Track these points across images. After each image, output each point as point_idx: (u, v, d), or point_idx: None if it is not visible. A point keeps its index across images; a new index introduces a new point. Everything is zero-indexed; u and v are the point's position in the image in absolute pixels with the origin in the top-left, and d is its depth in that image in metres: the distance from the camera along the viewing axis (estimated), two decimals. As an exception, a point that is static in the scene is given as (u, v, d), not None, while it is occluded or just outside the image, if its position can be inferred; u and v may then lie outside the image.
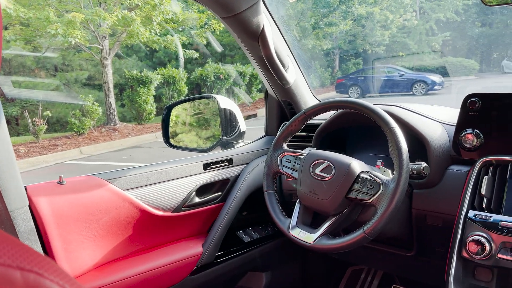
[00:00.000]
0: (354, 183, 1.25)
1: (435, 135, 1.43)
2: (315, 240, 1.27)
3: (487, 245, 1.15)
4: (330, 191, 1.28)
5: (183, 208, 1.54)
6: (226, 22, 1.46)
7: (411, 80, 11.96)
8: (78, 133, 9.40)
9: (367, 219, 1.24)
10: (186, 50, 10.99)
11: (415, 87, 11.79)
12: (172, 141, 1.84)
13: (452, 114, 1.53)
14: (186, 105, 2.08)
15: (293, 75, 1.75)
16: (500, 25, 15.41)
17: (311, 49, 14.13)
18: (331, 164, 1.31)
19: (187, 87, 11.79)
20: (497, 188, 1.24)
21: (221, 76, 12.06)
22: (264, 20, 1.49)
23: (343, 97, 1.42)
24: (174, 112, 1.89)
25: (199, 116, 2.13)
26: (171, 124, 1.87)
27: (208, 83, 12.01)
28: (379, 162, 1.58)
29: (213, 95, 1.89)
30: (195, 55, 11.16)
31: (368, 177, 1.24)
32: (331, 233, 1.30)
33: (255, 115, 11.05)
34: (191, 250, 1.56)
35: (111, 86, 10.19)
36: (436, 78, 11.81)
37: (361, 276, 2.16)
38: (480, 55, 16.24)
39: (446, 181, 1.41)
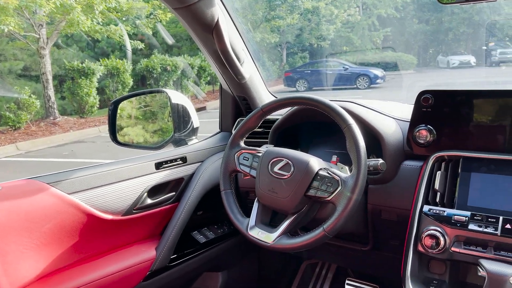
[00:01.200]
0: (313, 180, 1.23)
1: (389, 131, 1.45)
2: (274, 240, 1.24)
3: (441, 239, 1.19)
4: (289, 189, 1.25)
5: (134, 211, 1.45)
6: (178, 13, 1.38)
7: (355, 74, 12.36)
8: (13, 128, 8.76)
9: (325, 216, 1.24)
10: (131, 41, 10.57)
11: (359, 80, 12.20)
12: (120, 139, 1.73)
13: (405, 110, 1.56)
14: (135, 100, 1.97)
15: (248, 69, 1.71)
16: (436, 22, 16.31)
17: (259, 42, 14.15)
18: (289, 161, 1.28)
19: (132, 79, 11.35)
20: (449, 182, 1.28)
21: (168, 67, 11.75)
22: (218, 12, 1.43)
23: (300, 93, 1.41)
24: (122, 107, 1.78)
25: (149, 111, 2.03)
26: (118, 120, 1.76)
27: (155, 75, 11.64)
28: (334, 158, 1.58)
29: (164, 89, 1.80)
30: (140, 45, 10.77)
31: (327, 174, 1.23)
32: (290, 231, 1.28)
33: (204, 108, 10.89)
34: (143, 254, 1.47)
35: (50, 77, 9.58)
36: (378, 72, 12.29)
37: (316, 270, 2.18)
38: (418, 50, 17.11)
39: (400, 176, 1.44)
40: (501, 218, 1.15)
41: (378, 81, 12.25)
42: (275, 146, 1.58)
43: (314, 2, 14.00)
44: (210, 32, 1.44)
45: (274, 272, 2.14)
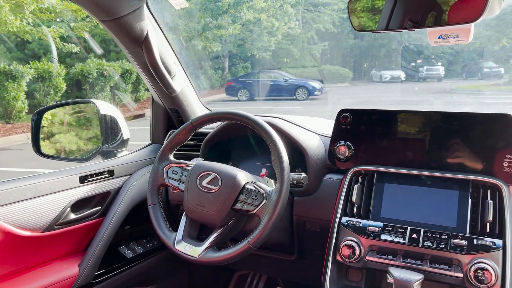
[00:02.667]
0: (240, 194, 1.27)
1: (313, 146, 1.53)
2: (201, 254, 1.26)
3: (357, 249, 1.27)
4: (216, 203, 1.28)
5: (55, 226, 1.40)
6: (106, 26, 1.36)
7: (294, 85, 12.72)
8: None
9: (252, 228, 1.28)
10: (65, 44, 10.06)
11: (298, 92, 12.56)
12: (44, 150, 1.66)
13: (328, 126, 1.66)
14: (61, 110, 1.89)
15: (180, 83, 1.71)
16: (370, 39, 17.26)
17: (201, 50, 14.12)
18: (217, 175, 1.31)
19: (65, 83, 10.79)
20: (365, 195, 1.38)
21: (105, 72, 11.33)
22: (148, 25, 1.43)
23: (231, 108, 1.45)
24: (47, 117, 1.71)
25: (76, 122, 1.96)
26: (42, 130, 1.69)
27: (90, 80, 11.16)
28: (263, 170, 1.63)
29: (93, 100, 1.75)
30: (75, 49, 10.29)
31: (253, 188, 1.27)
32: (217, 245, 1.30)
33: (143, 115, 10.62)
34: (65, 272, 1.42)
35: (-29, 79, 8.84)
36: (316, 84, 12.74)
37: (247, 280, 2.21)
38: (353, 65, 17.96)
39: (323, 189, 1.52)
40: (408, 228, 1.26)
41: (316, 93, 12.69)
42: (206, 159, 1.60)
43: (256, 13, 14.25)
44: (139, 45, 1.44)
45: (205, 284, 2.14)
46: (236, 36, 15.06)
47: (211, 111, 1.59)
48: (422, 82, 13.31)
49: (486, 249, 1.16)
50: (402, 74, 14.26)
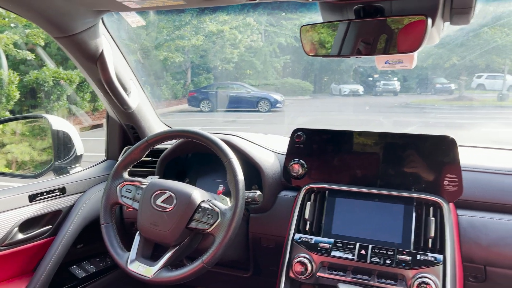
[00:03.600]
0: (195, 213, 1.28)
1: (268, 163, 1.57)
2: (154, 274, 1.25)
3: (309, 265, 1.31)
4: (171, 222, 1.28)
5: (1, 247, 1.34)
6: (59, 42, 1.34)
7: (257, 97, 12.84)
8: None
9: (208, 246, 1.28)
10: (18, 50, 9.66)
11: (260, 104, 12.68)
12: (-10, 167, 1.59)
13: (283, 143, 1.70)
14: (10, 124, 1.82)
15: (136, 99, 1.71)
16: (330, 53, 17.70)
17: (163, 60, 13.97)
18: (172, 194, 1.31)
19: (19, 91, 10.33)
20: (318, 212, 1.42)
21: (62, 81, 10.95)
22: (104, 42, 1.42)
23: (188, 127, 1.46)
24: (-5, 132, 1.65)
25: (26, 137, 1.90)
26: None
27: (46, 88, 10.76)
28: (221, 187, 1.65)
29: (44, 115, 1.71)
30: (30, 56, 9.90)
31: (208, 207, 1.29)
32: (172, 264, 1.30)
33: (101, 125, 10.34)
34: None
35: None
36: (278, 96, 12.92)
37: (204, 297, 2.20)
38: (314, 78, 18.35)
39: (278, 206, 1.56)
40: (357, 244, 1.31)
41: (278, 105, 12.86)
42: (162, 176, 1.60)
43: (218, 25, 14.31)
44: (94, 62, 1.43)
45: (162, 302, 2.11)
46: (199, 47, 15.03)
47: (170, 127, 1.59)
48: (379, 96, 13.81)
49: (428, 264, 1.23)
50: (360, 88, 14.71)
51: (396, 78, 13.73)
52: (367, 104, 13.24)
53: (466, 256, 1.30)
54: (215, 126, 10.85)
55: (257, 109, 12.53)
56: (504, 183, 1.37)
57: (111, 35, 1.52)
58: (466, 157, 1.44)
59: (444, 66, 12.33)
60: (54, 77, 10.76)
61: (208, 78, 15.84)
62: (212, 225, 1.25)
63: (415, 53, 1.28)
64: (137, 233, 1.34)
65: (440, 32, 1.25)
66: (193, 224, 1.27)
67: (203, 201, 1.31)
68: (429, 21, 1.03)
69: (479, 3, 1.19)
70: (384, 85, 13.83)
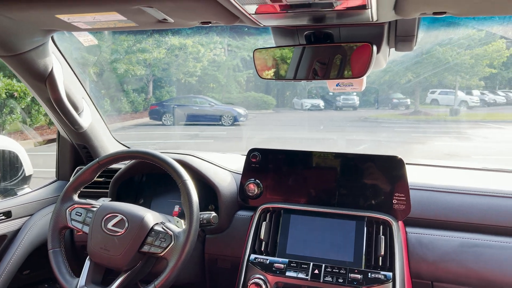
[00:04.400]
0: (147, 236, 1.26)
1: (225, 183, 1.57)
2: (104, 300, 1.22)
3: (263, 286, 1.31)
4: (122, 246, 1.25)
5: None
6: (5, 61, 1.30)
7: (220, 111, 12.85)
8: None
9: (161, 270, 1.26)
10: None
11: (224, 118, 12.70)
12: None
13: (241, 162, 1.71)
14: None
15: (88, 118, 1.66)
16: (292, 68, 18.02)
17: (123, 73, 13.72)
18: (124, 217, 1.28)
19: (-33, 104, 9.80)
20: (273, 232, 1.43)
21: (16, 93, 10.49)
22: (53, 61, 1.38)
23: (140, 147, 1.43)
24: None
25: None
26: None
27: (-2, 101, 10.25)
28: (176, 208, 1.63)
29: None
30: (-20, 67, 9.42)
31: (161, 230, 1.27)
32: (123, 289, 1.26)
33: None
34: None
35: None
36: (241, 110, 12.99)
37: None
38: (276, 92, 18.58)
39: (234, 226, 1.55)
40: (311, 264, 1.33)
41: (241, 119, 12.92)
42: (115, 198, 1.56)
43: (181, 39, 14.26)
44: (43, 81, 1.38)
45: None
46: (161, 60, 14.89)
47: (126, 146, 1.56)
48: (340, 110, 14.18)
49: (379, 281, 1.26)
50: (321, 103, 15.04)
51: (355, 94, 14.16)
52: (328, 118, 13.55)
53: (414, 273, 1.35)
54: (177, 140, 10.73)
55: (220, 123, 12.53)
56: (447, 201, 1.44)
57: (61, 54, 1.48)
58: (414, 175, 1.50)
59: (400, 82, 12.86)
60: (7, 90, 10.29)
61: (170, 91, 15.68)
62: (165, 248, 1.23)
63: (364, 77, 1.32)
64: (87, 258, 1.30)
65: (386, 57, 1.30)
66: (145, 248, 1.25)
67: (156, 224, 1.29)
68: (374, 48, 1.08)
69: (421, 31, 1.26)
70: (344, 100, 14.21)
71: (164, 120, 12.90)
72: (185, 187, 1.28)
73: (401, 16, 0.98)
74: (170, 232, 1.25)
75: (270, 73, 1.30)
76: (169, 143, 10.53)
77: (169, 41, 14.06)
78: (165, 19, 1.09)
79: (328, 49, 1.17)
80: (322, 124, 12.60)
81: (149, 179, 1.78)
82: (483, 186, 1.49)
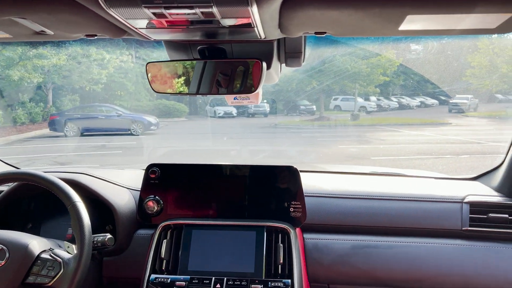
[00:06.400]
0: (32, 266, 1.15)
1: (122, 202, 1.50)
2: None
3: None
4: (3, 280, 1.12)
5: None
6: None
7: (129, 120, 12.35)
8: None
9: None
10: None
11: (133, 127, 12.24)
12: None
13: (140, 178, 1.65)
14: None
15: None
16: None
17: (17, 80, 12.53)
18: (4, 247, 1.16)
19: None
20: (174, 249, 1.40)
21: None
22: None
23: (24, 169, 1.31)
24: None
25: None
26: None
27: None
28: (70, 231, 1.51)
29: None
30: None
31: (49, 257, 1.17)
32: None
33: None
34: None
35: None
36: (151, 119, 12.63)
37: None
38: (188, 100, 18.39)
39: (134, 246, 1.49)
40: (213, 279, 1.32)
41: (152, 127, 12.57)
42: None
43: (84, 44, 13.44)
44: None
45: None
46: (62, 67, 13.88)
47: (15, 167, 1.41)
48: (252, 117, 14.50)
49: (278, 289, 1.30)
50: (234, 110, 15.24)
51: (265, 101, 14.59)
52: (240, 125, 13.77)
53: (312, 277, 1.42)
54: (81, 152, 10.07)
55: (129, 132, 12.02)
56: (339, 205, 1.54)
57: None
58: (309, 183, 1.58)
59: (306, 90, 13.55)
60: None
61: (73, 100, 14.67)
62: (54, 277, 1.14)
63: (260, 91, 1.36)
64: None
65: (278, 72, 1.36)
66: (30, 279, 1.14)
67: (44, 251, 1.19)
68: (264, 64, 1.12)
69: (309, 48, 1.34)
70: (255, 107, 14.54)
71: (66, 130, 12.01)
72: (74, 210, 1.20)
73: (287, 34, 1.03)
74: (59, 259, 1.16)
75: (165, 87, 1.28)
76: (71, 156, 9.83)
77: (70, 47, 13.16)
78: (43, 31, 1.01)
79: (221, 65, 1.18)
80: (235, 131, 12.78)
81: (39, 201, 1.64)
82: (371, 190, 1.62)
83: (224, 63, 1.17)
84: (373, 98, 13.67)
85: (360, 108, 13.50)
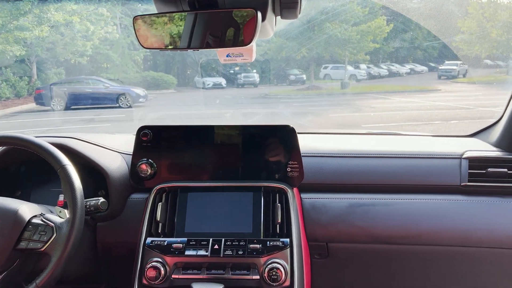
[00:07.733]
0: (24, 231, 1.12)
1: (114, 166, 1.45)
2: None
3: (162, 269, 1.25)
4: None
5: None
6: None
7: (116, 93, 12.15)
8: None
9: (45, 267, 1.13)
10: None
11: (121, 99, 12.05)
12: None
13: (132, 142, 1.60)
14: None
15: None
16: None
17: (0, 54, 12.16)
18: None
19: None
20: (170, 212, 1.37)
21: None
22: None
23: (9, 132, 1.25)
24: None
25: None
26: None
27: None
28: (61, 197, 1.47)
29: None
30: None
31: (41, 222, 1.13)
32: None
33: None
34: None
35: None
36: (140, 91, 12.43)
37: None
38: (177, 71, 18.10)
39: (128, 210, 1.46)
40: (211, 240, 1.30)
41: (140, 100, 12.39)
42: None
43: (66, 15, 13.00)
44: None
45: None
46: (45, 39, 13.46)
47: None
48: (241, 88, 14.35)
49: (278, 248, 1.28)
50: (223, 81, 15.06)
51: (255, 71, 14.40)
52: (230, 96, 13.65)
53: (310, 236, 1.41)
54: (70, 126, 9.92)
55: (117, 105, 11.84)
56: (337, 164, 1.52)
57: None
58: (306, 143, 1.55)
59: (296, 58, 13.38)
60: None
61: (58, 73, 14.33)
62: (46, 242, 1.11)
63: (254, 46, 1.30)
64: None
65: (273, 26, 1.29)
66: (22, 245, 1.11)
67: (34, 216, 1.15)
68: (259, 14, 1.05)
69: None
70: (245, 77, 14.38)
71: (53, 105, 11.78)
72: (64, 173, 1.16)
73: None
74: (51, 224, 1.12)
75: (154, 42, 1.21)
76: (60, 130, 9.70)
77: (52, 17, 12.72)
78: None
79: (213, 16, 1.12)
80: (226, 102, 12.66)
81: (28, 168, 1.59)
82: (368, 148, 1.60)
83: (216, 14, 1.11)
84: (363, 66, 13.58)
85: (350, 76, 13.41)
